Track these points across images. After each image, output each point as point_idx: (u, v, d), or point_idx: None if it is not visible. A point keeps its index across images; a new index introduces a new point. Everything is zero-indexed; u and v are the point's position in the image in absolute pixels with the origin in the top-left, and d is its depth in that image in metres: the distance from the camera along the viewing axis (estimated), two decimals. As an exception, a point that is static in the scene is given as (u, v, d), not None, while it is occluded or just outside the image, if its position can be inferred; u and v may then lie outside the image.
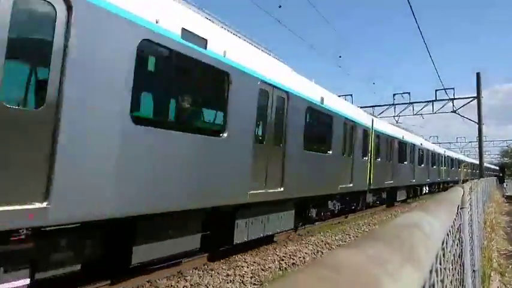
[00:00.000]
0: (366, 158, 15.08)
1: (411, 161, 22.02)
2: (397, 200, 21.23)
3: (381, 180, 16.66)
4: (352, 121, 13.61)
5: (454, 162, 40.37)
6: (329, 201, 12.51)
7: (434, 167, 29.40)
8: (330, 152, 11.54)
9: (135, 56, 5.10)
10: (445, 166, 34.29)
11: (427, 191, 27.84)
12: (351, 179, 13.26)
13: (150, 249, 5.84)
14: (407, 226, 0.67)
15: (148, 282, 6.44)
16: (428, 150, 26.98)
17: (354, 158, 13.49)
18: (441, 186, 34.22)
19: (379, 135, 16.78)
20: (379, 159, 16.58)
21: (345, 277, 0.36)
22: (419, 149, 23.93)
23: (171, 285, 6.40)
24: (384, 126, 18.13)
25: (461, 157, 49.76)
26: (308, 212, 11.27)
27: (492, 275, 6.76)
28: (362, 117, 15.13)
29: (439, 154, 31.57)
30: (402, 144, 20.34)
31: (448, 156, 36.61)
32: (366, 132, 15.15)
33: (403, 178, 20.62)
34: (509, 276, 7.04)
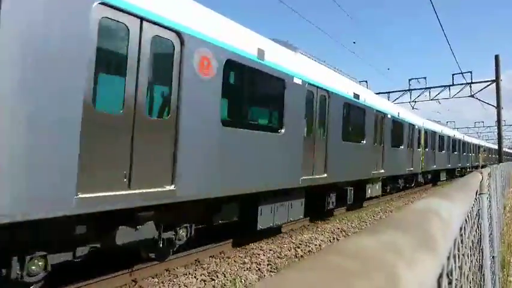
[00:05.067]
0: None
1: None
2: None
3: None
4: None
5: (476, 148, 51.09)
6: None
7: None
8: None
9: None
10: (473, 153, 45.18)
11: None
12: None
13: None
14: (425, 212, 0.65)
15: (166, 270, 6.57)
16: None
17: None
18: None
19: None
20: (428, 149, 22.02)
21: (359, 264, 0.35)
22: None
23: (189, 273, 6.52)
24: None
25: (482, 143, 55.04)
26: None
27: (512, 261, 6.66)
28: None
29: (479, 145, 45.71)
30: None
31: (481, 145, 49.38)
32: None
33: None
34: (530, 262, 6.92)
